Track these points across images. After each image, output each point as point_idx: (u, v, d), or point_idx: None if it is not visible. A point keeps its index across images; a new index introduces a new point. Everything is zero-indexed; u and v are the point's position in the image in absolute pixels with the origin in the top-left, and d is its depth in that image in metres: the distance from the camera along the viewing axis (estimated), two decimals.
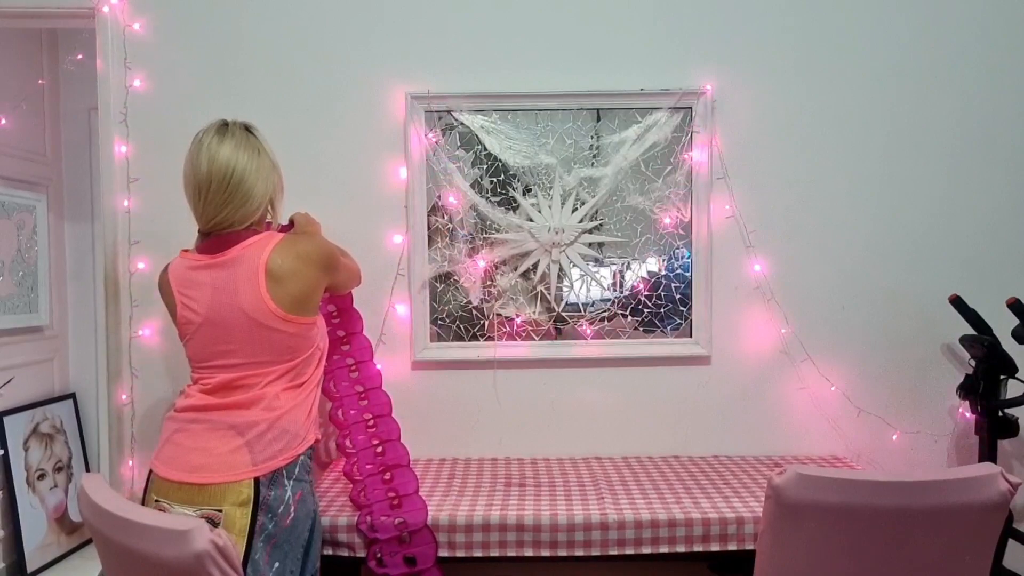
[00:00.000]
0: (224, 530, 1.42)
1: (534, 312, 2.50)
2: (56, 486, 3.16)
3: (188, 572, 1.21)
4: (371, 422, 2.10)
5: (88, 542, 3.24)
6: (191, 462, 1.59)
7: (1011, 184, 2.47)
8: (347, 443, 2.09)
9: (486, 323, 2.51)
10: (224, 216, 1.65)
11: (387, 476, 2.01)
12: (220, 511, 1.53)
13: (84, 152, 3.51)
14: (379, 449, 2.06)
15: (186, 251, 1.73)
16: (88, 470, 3.39)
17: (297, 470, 1.66)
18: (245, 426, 1.61)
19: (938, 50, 2.46)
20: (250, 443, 1.60)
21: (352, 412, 2.10)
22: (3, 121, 3.04)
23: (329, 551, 1.91)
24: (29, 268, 3.26)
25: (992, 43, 2.46)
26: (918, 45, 2.46)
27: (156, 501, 1.59)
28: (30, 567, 2.93)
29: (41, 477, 3.09)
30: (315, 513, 1.72)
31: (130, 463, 2.48)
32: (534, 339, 2.50)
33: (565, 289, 2.51)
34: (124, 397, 2.47)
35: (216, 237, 1.66)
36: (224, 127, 1.69)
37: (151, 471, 1.65)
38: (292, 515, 1.62)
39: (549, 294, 2.50)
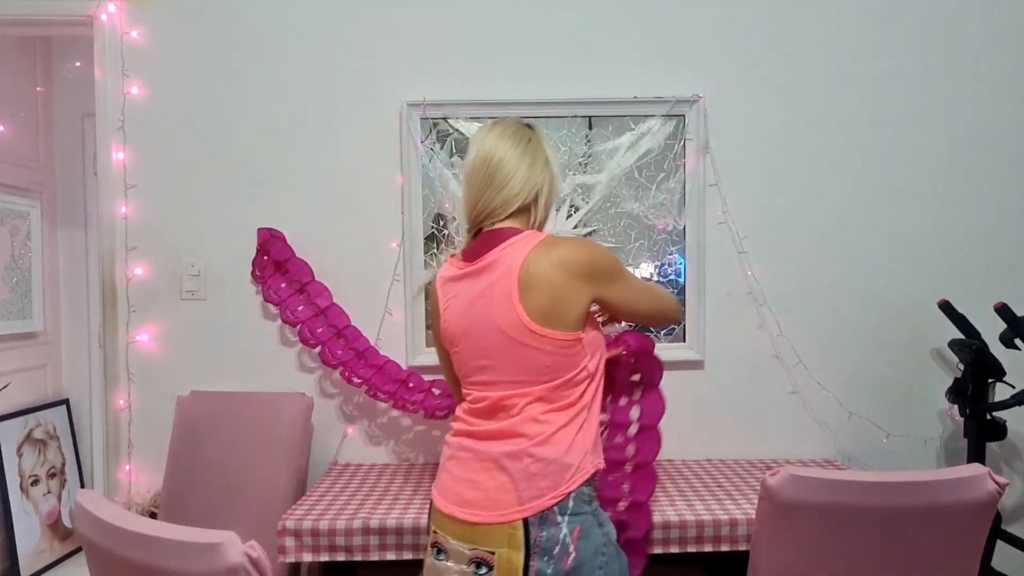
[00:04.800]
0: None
1: None
2: (49, 492, 3.15)
3: None
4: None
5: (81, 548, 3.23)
6: (461, 495, 1.49)
7: (1000, 191, 2.52)
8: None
9: None
10: (484, 203, 1.55)
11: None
12: (493, 553, 1.42)
13: (78, 158, 3.51)
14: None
15: (453, 256, 1.63)
16: (81, 476, 3.38)
17: (572, 504, 1.46)
18: (508, 458, 1.47)
19: (927, 58, 2.50)
20: (514, 479, 1.46)
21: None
22: None
23: (326, 556, 1.92)
24: (23, 274, 3.27)
25: (982, 51, 2.50)
26: (907, 53, 2.50)
27: (434, 532, 1.51)
28: (23, 573, 2.92)
29: (35, 483, 3.08)
30: (606, 548, 1.47)
31: (127, 468, 2.48)
32: None
33: None
34: (121, 402, 2.47)
35: (478, 239, 1.56)
36: (498, 120, 1.65)
37: (432, 500, 1.57)
38: (573, 555, 1.42)
39: None
